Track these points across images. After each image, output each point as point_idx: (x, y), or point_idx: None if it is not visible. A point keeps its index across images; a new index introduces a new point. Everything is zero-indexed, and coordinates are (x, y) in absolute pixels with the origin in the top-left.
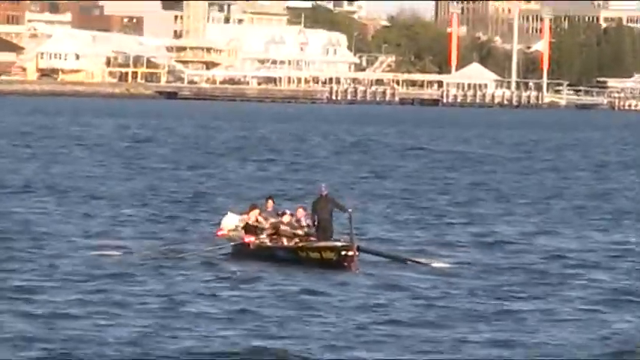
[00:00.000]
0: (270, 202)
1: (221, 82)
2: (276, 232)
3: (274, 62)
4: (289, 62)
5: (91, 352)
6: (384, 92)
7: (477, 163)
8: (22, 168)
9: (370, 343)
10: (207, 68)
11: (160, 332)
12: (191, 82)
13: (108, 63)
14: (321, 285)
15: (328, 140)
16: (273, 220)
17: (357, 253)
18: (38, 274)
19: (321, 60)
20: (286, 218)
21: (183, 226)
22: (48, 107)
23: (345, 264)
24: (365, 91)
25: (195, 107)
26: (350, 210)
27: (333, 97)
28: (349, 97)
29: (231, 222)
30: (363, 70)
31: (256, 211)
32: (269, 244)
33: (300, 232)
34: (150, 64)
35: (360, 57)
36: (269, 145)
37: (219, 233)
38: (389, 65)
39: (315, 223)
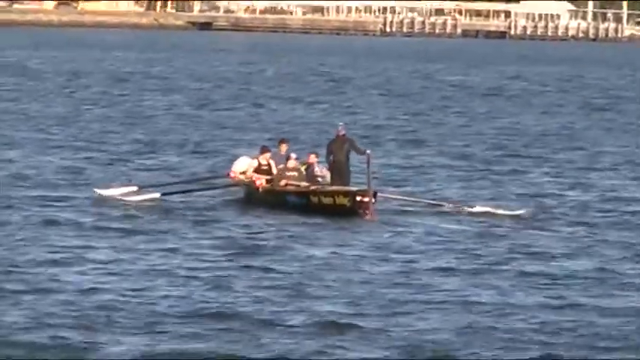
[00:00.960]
0: (283, 145)
1: (261, 12)
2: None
3: None
4: None
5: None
6: (444, 23)
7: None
8: None
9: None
10: None
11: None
12: (227, 11)
13: None
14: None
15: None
16: (281, 165)
17: (373, 200)
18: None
19: None
20: (291, 163)
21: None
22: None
23: (360, 210)
24: (423, 22)
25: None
26: (368, 152)
27: (387, 29)
28: (405, 28)
29: (242, 165)
30: None
31: (268, 154)
32: (280, 187)
33: (304, 182)
34: None
35: None
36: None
37: (231, 175)
38: None
39: (330, 165)
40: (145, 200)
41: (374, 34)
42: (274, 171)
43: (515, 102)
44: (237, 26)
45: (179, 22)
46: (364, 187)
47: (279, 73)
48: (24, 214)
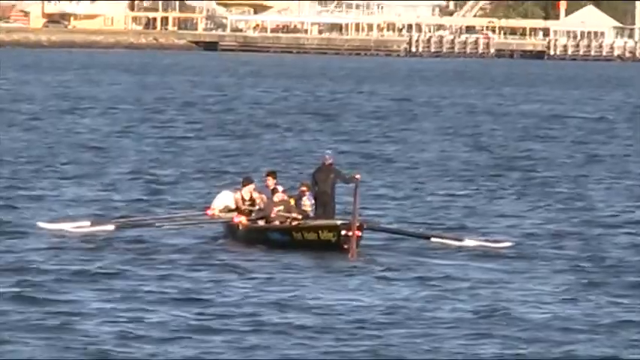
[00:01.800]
0: (270, 178)
1: (272, 30)
2: (267, 216)
3: (339, 5)
4: (357, 5)
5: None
6: (476, 42)
7: None
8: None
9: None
10: (256, 12)
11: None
12: (235, 29)
13: (131, 7)
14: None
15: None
16: (267, 200)
17: (357, 234)
18: None
19: (398, 2)
20: (278, 196)
21: None
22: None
23: (346, 246)
24: (452, 41)
25: (247, 61)
26: (357, 176)
27: (413, 49)
28: (433, 48)
29: (223, 201)
30: (451, 14)
31: (251, 186)
32: (261, 224)
33: (295, 214)
34: (184, 7)
35: None
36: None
37: (208, 213)
38: (482, 9)
39: (314, 196)
40: (98, 231)
41: (398, 55)
42: (259, 204)
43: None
44: (247, 46)
45: (182, 42)
46: (349, 220)
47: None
48: None
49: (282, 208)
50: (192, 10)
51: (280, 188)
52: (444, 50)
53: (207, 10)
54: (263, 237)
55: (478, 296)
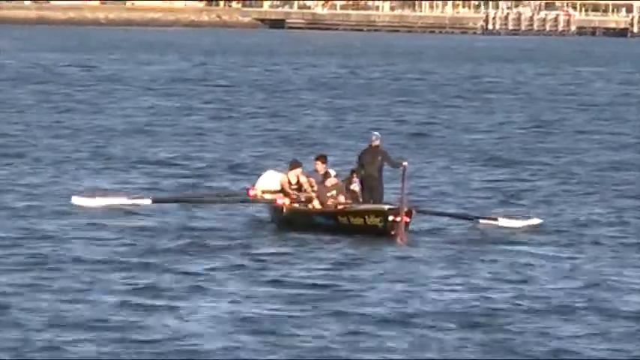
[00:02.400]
0: (319, 162)
1: (341, 7)
2: (322, 202)
3: None
4: None
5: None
6: (555, 19)
7: None
8: None
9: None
10: None
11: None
12: (302, 6)
13: None
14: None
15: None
16: (315, 184)
17: (407, 219)
18: None
19: None
20: (331, 180)
21: None
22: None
23: (393, 232)
24: (531, 18)
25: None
26: (405, 163)
27: (490, 27)
28: (510, 25)
29: (267, 182)
30: None
31: (298, 170)
32: (305, 207)
33: (342, 199)
34: None
35: None
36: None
37: (251, 193)
38: None
39: (361, 180)
40: (134, 205)
41: (474, 32)
42: (306, 189)
43: None
44: (315, 24)
45: (246, 20)
46: (397, 205)
47: None
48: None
49: (334, 192)
50: None
51: (333, 172)
52: (523, 28)
53: None
54: (307, 220)
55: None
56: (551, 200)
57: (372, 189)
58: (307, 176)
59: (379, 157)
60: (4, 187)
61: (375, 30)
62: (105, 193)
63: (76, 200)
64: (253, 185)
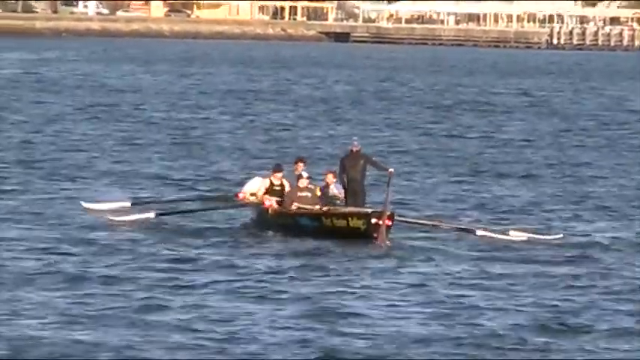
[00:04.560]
0: (299, 164)
1: (406, 21)
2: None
3: None
4: None
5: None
6: (620, 34)
7: None
8: None
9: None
10: (389, 2)
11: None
12: (367, 20)
13: None
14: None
15: None
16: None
17: (389, 222)
18: None
19: None
20: (302, 182)
21: None
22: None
23: (375, 235)
24: (596, 33)
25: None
26: (391, 169)
27: (554, 41)
28: (575, 40)
29: (254, 185)
30: (594, 5)
31: (280, 174)
32: (290, 209)
33: (317, 205)
34: None
35: None
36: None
37: (240, 196)
38: None
39: (344, 185)
40: (138, 220)
41: (538, 47)
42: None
43: None
44: (379, 37)
45: (311, 33)
46: (380, 208)
47: None
48: None
49: (307, 195)
50: None
51: (305, 174)
52: (587, 43)
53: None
54: (292, 222)
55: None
56: None
57: (355, 193)
58: (288, 180)
59: (361, 162)
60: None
61: (440, 44)
62: (112, 199)
63: (85, 205)
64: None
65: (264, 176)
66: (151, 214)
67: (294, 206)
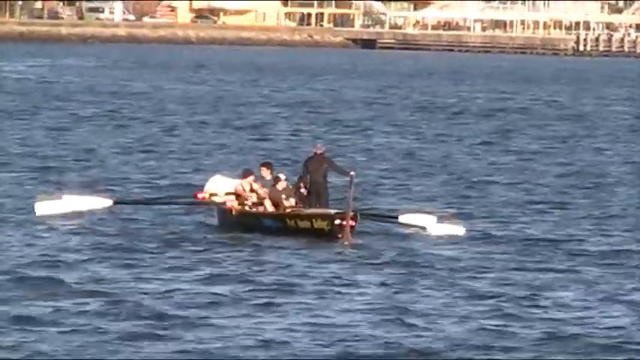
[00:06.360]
0: (264, 169)
1: (433, 27)
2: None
3: (504, 1)
4: (523, 1)
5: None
6: None
7: None
8: None
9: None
10: (416, 8)
11: None
12: (394, 26)
13: (285, 2)
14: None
15: None
16: (267, 189)
17: (352, 223)
18: None
19: None
20: (282, 184)
21: None
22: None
23: (339, 235)
24: (622, 40)
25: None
26: (352, 173)
27: (581, 48)
28: (601, 47)
29: (216, 186)
30: (620, 11)
31: (251, 178)
32: (254, 210)
33: (293, 201)
34: (340, 2)
35: None
36: None
37: (199, 196)
38: None
39: (307, 187)
40: (97, 208)
41: (565, 54)
42: (260, 194)
43: None
44: (406, 44)
45: (337, 39)
46: (344, 209)
47: None
48: None
49: (284, 195)
50: (349, 5)
51: (282, 177)
52: (613, 49)
53: (365, 6)
54: (256, 223)
55: None
56: None
57: (318, 194)
58: (259, 184)
59: (324, 165)
60: None
61: (467, 50)
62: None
63: (39, 204)
64: (202, 189)
65: (226, 175)
66: (110, 202)
67: (288, 203)
